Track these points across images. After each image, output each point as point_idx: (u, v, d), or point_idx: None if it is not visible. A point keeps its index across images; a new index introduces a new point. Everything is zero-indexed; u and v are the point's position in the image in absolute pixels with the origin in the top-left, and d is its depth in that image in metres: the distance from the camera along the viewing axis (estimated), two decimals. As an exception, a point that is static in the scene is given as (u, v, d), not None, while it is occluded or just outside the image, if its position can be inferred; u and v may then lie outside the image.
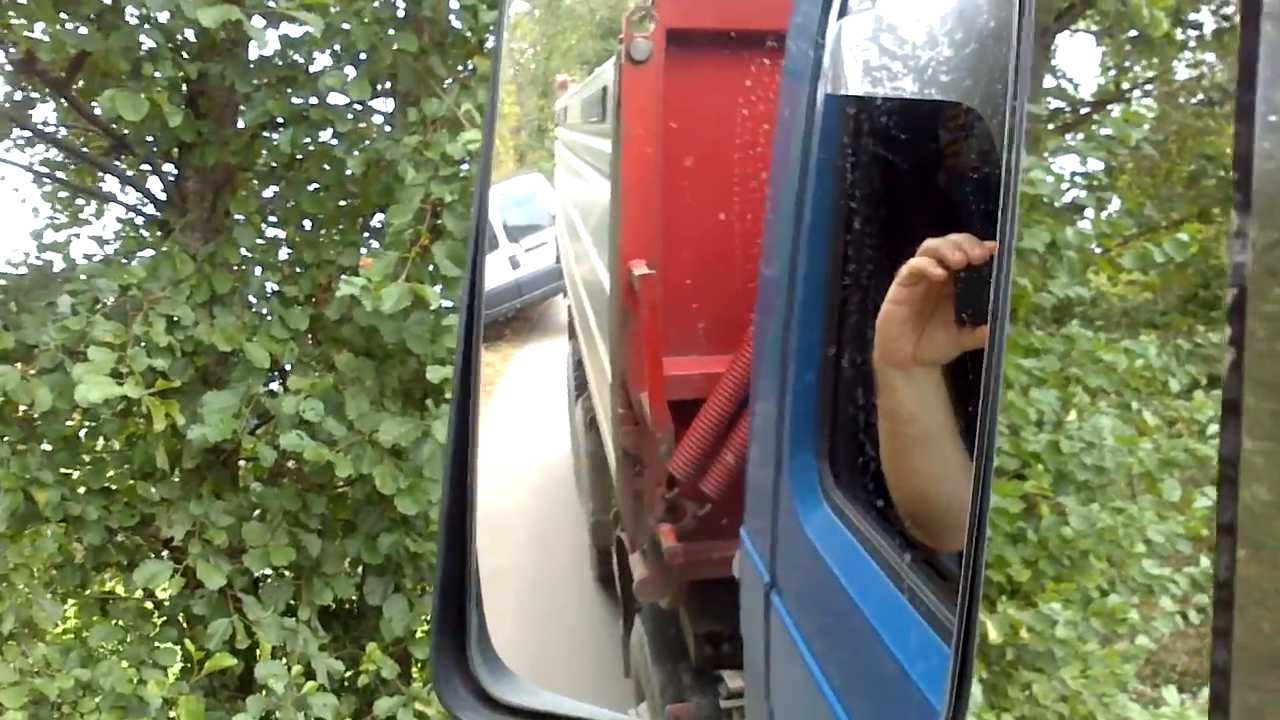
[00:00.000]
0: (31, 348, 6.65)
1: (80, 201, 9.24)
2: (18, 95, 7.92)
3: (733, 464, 2.96)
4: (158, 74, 6.65)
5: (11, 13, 6.96)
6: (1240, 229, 0.87)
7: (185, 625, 7.27)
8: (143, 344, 6.46)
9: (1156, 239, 8.40)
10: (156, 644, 7.03)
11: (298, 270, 7.59)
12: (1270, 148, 0.86)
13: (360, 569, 7.42)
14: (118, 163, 8.25)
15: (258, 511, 7.14)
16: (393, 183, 6.67)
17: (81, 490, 7.03)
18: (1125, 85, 13.05)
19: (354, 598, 7.61)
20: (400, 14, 6.74)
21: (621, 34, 3.04)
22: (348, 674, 7.20)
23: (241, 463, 7.73)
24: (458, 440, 1.61)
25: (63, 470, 6.97)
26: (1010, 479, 7.04)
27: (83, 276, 7.05)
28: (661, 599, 3.36)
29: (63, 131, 8.81)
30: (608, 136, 3.28)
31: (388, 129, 7.19)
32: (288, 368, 7.21)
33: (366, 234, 7.81)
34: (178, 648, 7.12)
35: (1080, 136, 9.71)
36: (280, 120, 7.15)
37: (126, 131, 7.42)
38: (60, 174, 9.15)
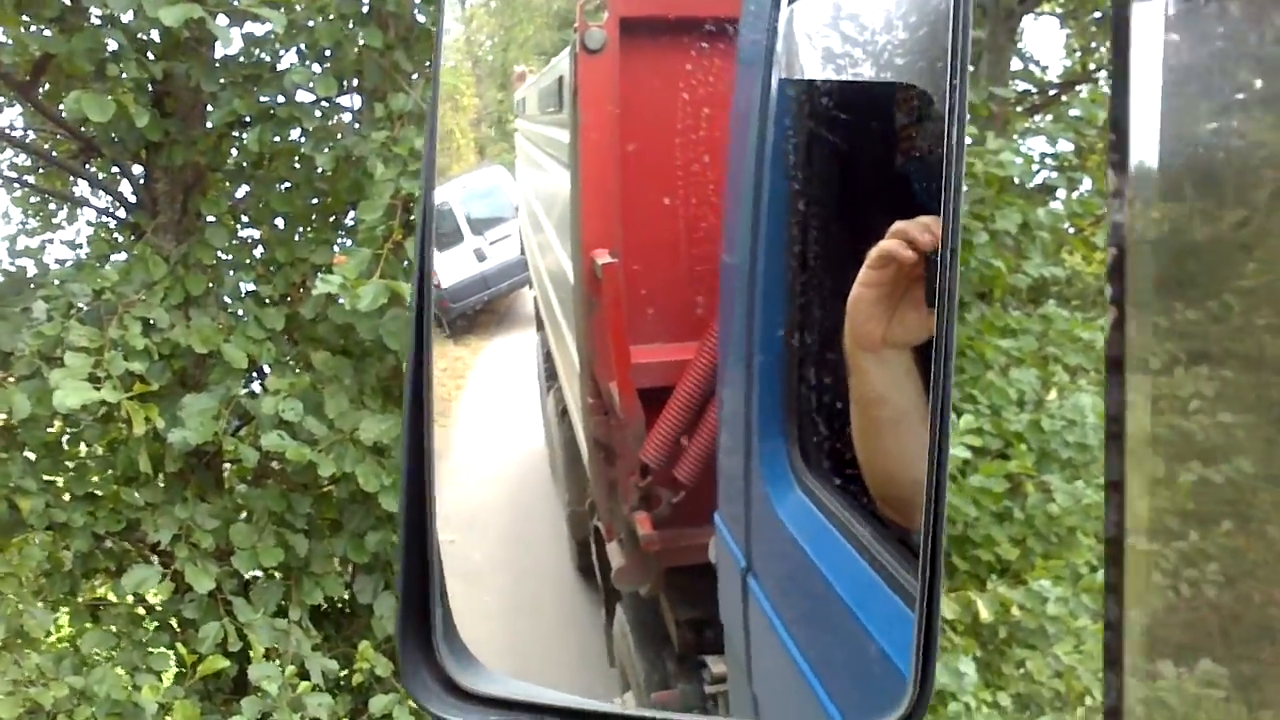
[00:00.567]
0: (7, 355, 6.62)
1: (52, 206, 9.21)
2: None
3: (704, 450, 2.96)
4: (123, 75, 6.60)
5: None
6: (1118, 189, 0.89)
7: (177, 629, 7.25)
8: (119, 348, 6.45)
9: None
10: (149, 649, 7.00)
11: (271, 269, 7.56)
12: (1143, 108, 0.87)
13: (349, 568, 7.43)
14: (88, 166, 8.22)
15: (243, 513, 7.12)
16: (362, 179, 6.65)
17: (66, 497, 7.01)
18: (1091, 66, 13.05)
19: (344, 597, 7.60)
20: (364, 9, 6.71)
21: (575, 24, 3.04)
22: (342, 673, 7.18)
23: (225, 465, 7.70)
24: (413, 433, 1.62)
25: (46, 477, 6.93)
26: (994, 459, 7.08)
27: (56, 282, 7.03)
28: (641, 587, 3.36)
29: (31, 136, 8.77)
30: (565, 126, 3.27)
31: (355, 125, 7.17)
32: (266, 368, 7.20)
33: (339, 231, 7.80)
34: (170, 652, 7.12)
35: (1049, 118, 9.74)
36: (247, 119, 7.11)
37: (94, 134, 7.40)
38: (30, 179, 9.11)
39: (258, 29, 6.92)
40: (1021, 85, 11.83)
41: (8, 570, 6.78)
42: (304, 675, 6.78)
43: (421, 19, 6.76)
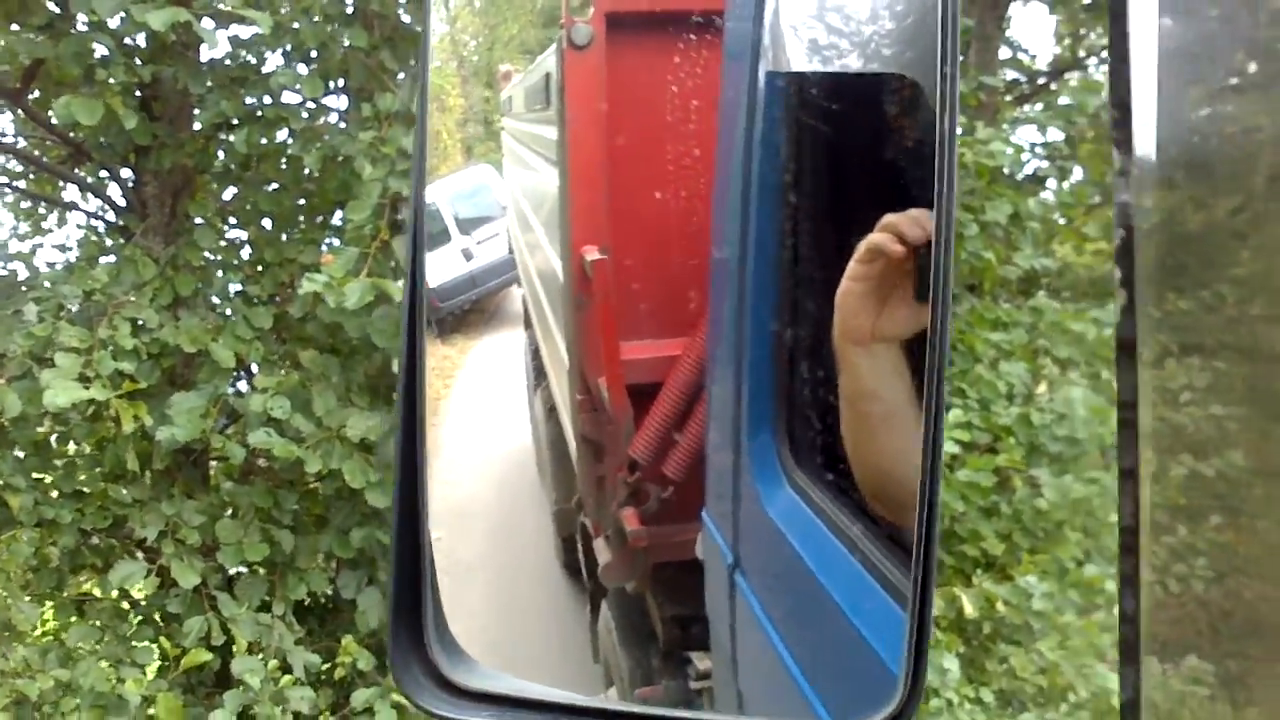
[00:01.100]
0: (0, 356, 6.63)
1: (42, 210, 9.21)
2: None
3: (693, 446, 2.96)
4: (111, 79, 6.61)
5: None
6: (1123, 168, 0.87)
7: (161, 624, 7.25)
8: (109, 348, 6.45)
9: (1121, 207, 8.40)
10: (133, 643, 7.03)
11: (259, 269, 7.56)
12: (1144, 85, 0.86)
13: (334, 563, 7.43)
14: (77, 170, 8.23)
15: (230, 510, 7.13)
16: (350, 179, 6.66)
17: (54, 494, 7.05)
18: (1081, 53, 13.01)
19: (328, 592, 7.60)
20: (349, 10, 6.72)
21: (562, 20, 3.03)
22: (324, 667, 7.19)
23: (212, 462, 7.74)
24: (406, 430, 1.61)
25: (35, 475, 6.97)
26: (982, 453, 7.07)
27: (47, 284, 7.04)
28: (627, 583, 3.36)
29: (21, 142, 8.77)
30: (553, 124, 3.26)
31: (342, 125, 7.17)
32: (254, 367, 7.21)
33: (327, 231, 7.80)
34: (154, 646, 7.15)
35: (1039, 107, 9.71)
36: (235, 121, 7.11)
37: (83, 139, 7.41)
38: (20, 184, 9.12)
39: (243, 31, 6.91)
40: (1010, 74, 11.79)
41: (-1, 565, 6.82)
42: (286, 669, 6.82)
43: (407, 19, 6.76)
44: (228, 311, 7.29)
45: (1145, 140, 0.95)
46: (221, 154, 7.64)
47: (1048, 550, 7.15)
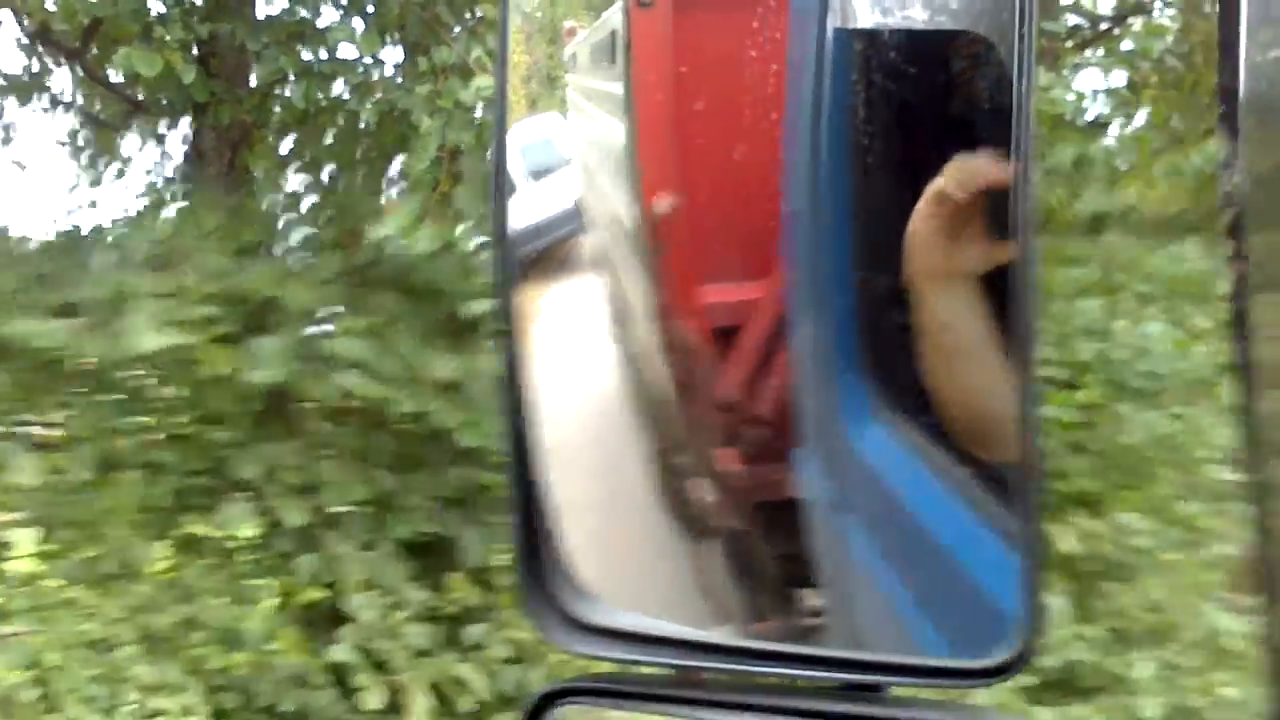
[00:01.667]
0: (75, 305, 6.71)
1: (100, 167, 9.31)
2: (35, 66, 7.98)
3: (782, 387, 3.02)
4: (168, 37, 6.67)
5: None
6: (1229, 158, 0.89)
7: (271, 563, 7.26)
8: (184, 295, 6.54)
9: (1185, 150, 8.31)
10: (246, 581, 7.09)
11: (324, 219, 7.60)
12: (1254, 74, 0.87)
13: (434, 503, 7.48)
14: (137, 125, 8.31)
15: (327, 451, 7.18)
16: (407, 131, 6.71)
17: (155, 438, 7.09)
18: (1144, -2, 12.72)
19: (432, 530, 7.63)
20: (406, -37, 6.75)
21: (627, -24, 3.08)
22: (434, 604, 7.20)
23: (302, 405, 7.77)
24: (509, 372, 1.67)
25: (134, 419, 7.05)
26: (1062, 389, 7.00)
27: (110, 238, 7.13)
28: (730, 522, 3.42)
29: (80, 99, 8.86)
30: (619, 80, 3.32)
31: (398, 80, 7.22)
32: (330, 311, 7.27)
33: (386, 182, 7.85)
34: (267, 583, 7.18)
35: (1101, 52, 9.58)
36: (292, 76, 7.17)
37: (142, 96, 7.48)
38: (80, 141, 9.21)
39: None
40: (1073, 19, 11.59)
41: (108, 506, 6.88)
42: (397, 605, 6.84)
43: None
44: (297, 258, 7.36)
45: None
46: (278, 109, 7.72)
47: (1140, 486, 7.03)
